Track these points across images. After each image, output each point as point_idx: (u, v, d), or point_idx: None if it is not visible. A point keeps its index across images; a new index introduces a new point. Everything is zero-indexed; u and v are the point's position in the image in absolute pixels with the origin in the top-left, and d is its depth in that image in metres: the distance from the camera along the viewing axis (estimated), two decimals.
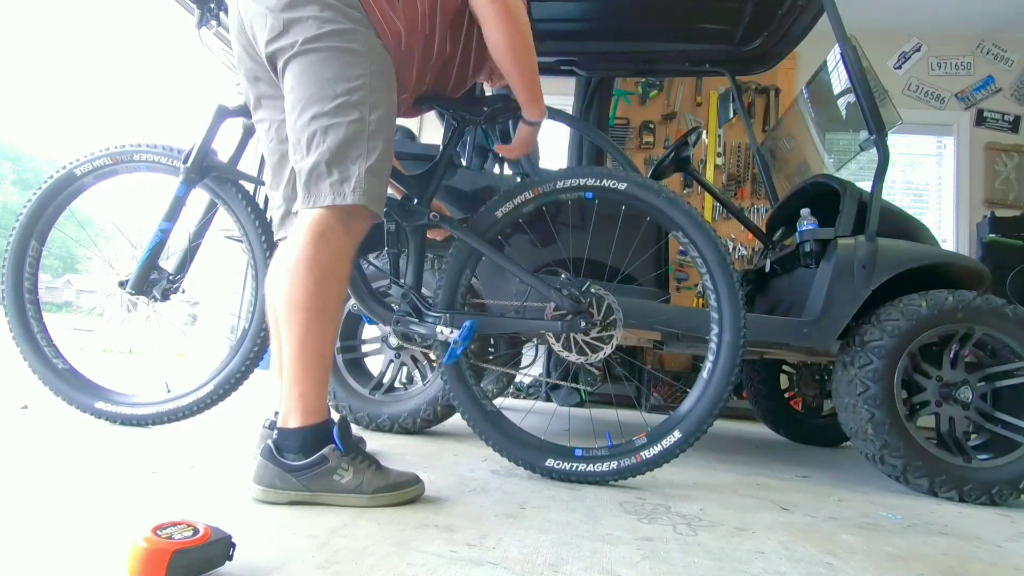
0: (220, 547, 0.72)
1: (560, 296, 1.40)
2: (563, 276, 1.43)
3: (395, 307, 1.45)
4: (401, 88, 1.31)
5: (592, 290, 1.40)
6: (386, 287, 1.67)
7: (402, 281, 1.46)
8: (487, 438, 1.45)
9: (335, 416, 1.17)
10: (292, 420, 1.09)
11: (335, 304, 1.15)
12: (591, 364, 1.43)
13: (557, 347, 1.42)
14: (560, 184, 1.47)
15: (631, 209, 1.50)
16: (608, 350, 1.40)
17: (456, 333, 1.36)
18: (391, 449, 1.66)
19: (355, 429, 1.94)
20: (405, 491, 1.11)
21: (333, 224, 1.13)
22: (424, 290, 1.51)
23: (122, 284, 1.63)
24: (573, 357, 1.41)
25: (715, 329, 1.44)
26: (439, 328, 1.39)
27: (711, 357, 1.44)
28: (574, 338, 1.41)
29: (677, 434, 1.40)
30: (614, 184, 1.46)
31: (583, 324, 1.39)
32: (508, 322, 1.45)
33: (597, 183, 1.46)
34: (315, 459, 1.06)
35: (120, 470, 1.20)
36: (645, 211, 1.47)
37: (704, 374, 1.44)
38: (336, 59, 1.13)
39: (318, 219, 1.13)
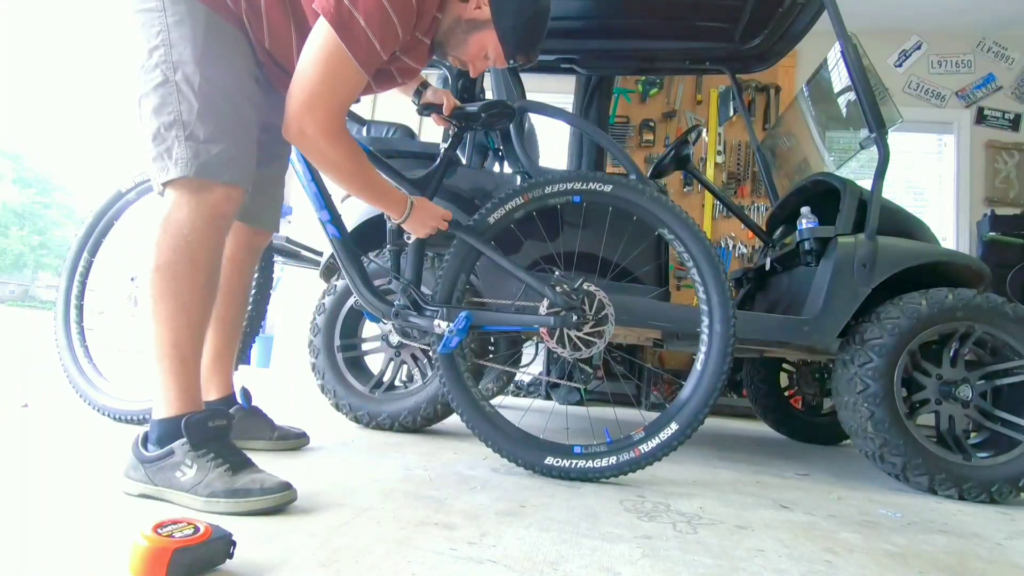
0: (221, 545, 0.72)
1: (553, 292, 1.41)
2: (557, 273, 1.44)
3: (395, 302, 1.48)
4: (271, 40, 1.17)
5: (585, 286, 1.41)
6: (387, 283, 1.69)
7: (402, 277, 1.49)
8: (480, 434, 1.46)
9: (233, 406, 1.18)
10: (155, 410, 1.07)
11: (187, 290, 1.06)
12: (584, 360, 1.44)
13: (551, 343, 1.42)
14: (549, 189, 1.51)
15: (618, 210, 1.53)
16: (600, 346, 1.40)
17: (452, 325, 1.38)
18: (391, 447, 1.67)
19: (354, 427, 1.94)
20: (249, 499, 0.97)
21: (172, 204, 1.06)
22: (424, 288, 1.53)
23: (133, 279, 1.75)
24: (567, 353, 1.42)
25: (705, 320, 1.46)
26: (436, 321, 1.42)
27: (703, 348, 1.45)
28: (567, 334, 1.42)
29: (674, 426, 1.40)
30: (600, 187, 1.50)
31: (575, 319, 1.39)
32: (502, 316, 1.47)
33: (584, 186, 1.50)
34: (164, 452, 1.02)
35: (121, 468, 1.19)
36: (631, 211, 1.51)
37: (698, 366, 1.45)
38: (140, 23, 1.08)
39: (161, 202, 1.08)
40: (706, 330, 1.45)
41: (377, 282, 1.59)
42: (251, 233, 1.46)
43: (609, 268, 1.87)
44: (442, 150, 1.57)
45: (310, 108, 1.09)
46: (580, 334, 1.41)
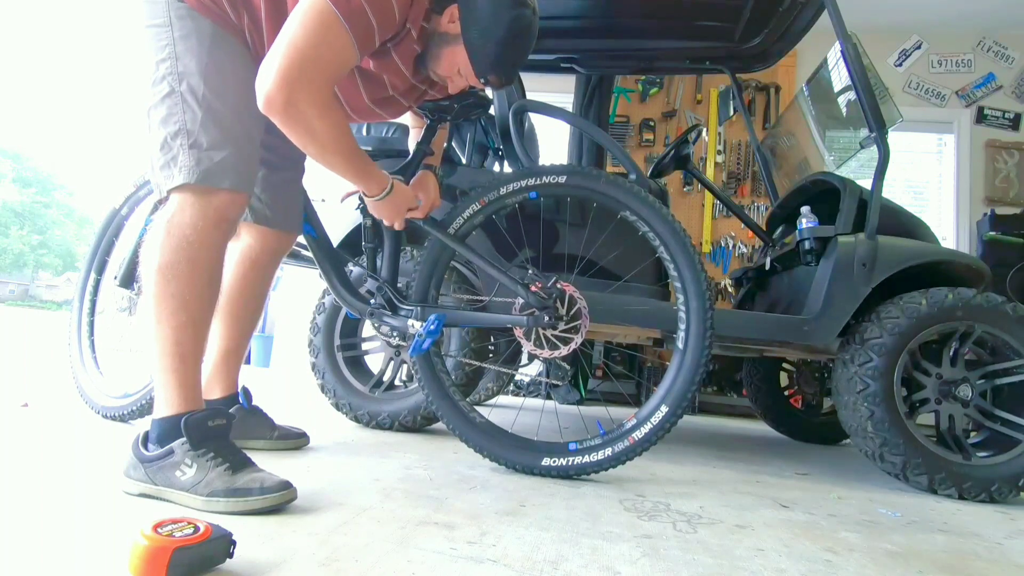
0: (221, 545, 0.72)
1: (526, 291, 1.39)
2: (530, 272, 1.42)
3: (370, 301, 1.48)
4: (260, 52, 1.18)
5: (558, 285, 1.39)
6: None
7: (378, 275, 1.48)
8: (459, 432, 1.47)
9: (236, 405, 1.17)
10: (156, 409, 1.08)
11: (188, 290, 1.07)
12: (562, 359, 1.42)
13: (527, 343, 1.41)
14: (504, 190, 1.49)
15: (578, 199, 1.51)
16: (575, 344, 1.39)
17: (423, 326, 1.37)
18: (391, 447, 1.67)
19: (354, 427, 1.94)
20: (249, 499, 0.97)
21: (176, 208, 1.09)
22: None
23: (116, 278, 1.75)
24: (545, 352, 1.40)
25: (680, 298, 1.44)
26: (410, 321, 1.41)
27: (682, 327, 1.43)
28: (543, 333, 1.40)
29: (664, 409, 1.39)
30: (554, 179, 1.48)
31: (547, 319, 1.38)
32: (476, 316, 1.46)
33: (538, 181, 1.48)
34: (163, 451, 1.02)
35: (121, 467, 1.19)
36: (591, 198, 1.49)
37: (679, 344, 1.43)
38: (150, 37, 1.11)
39: (166, 206, 1.11)
40: (682, 307, 1.43)
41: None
42: (275, 237, 1.46)
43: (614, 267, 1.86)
44: (415, 145, 1.53)
45: (302, 75, 1.02)
46: (555, 332, 1.40)
